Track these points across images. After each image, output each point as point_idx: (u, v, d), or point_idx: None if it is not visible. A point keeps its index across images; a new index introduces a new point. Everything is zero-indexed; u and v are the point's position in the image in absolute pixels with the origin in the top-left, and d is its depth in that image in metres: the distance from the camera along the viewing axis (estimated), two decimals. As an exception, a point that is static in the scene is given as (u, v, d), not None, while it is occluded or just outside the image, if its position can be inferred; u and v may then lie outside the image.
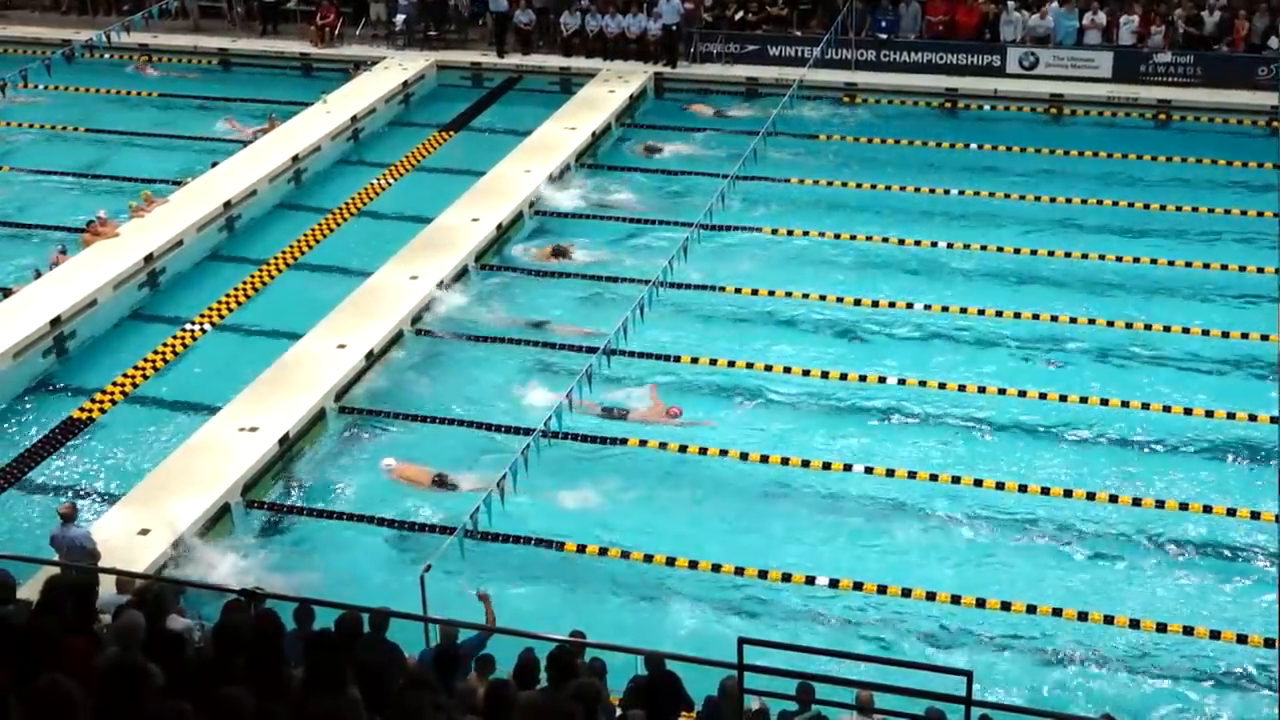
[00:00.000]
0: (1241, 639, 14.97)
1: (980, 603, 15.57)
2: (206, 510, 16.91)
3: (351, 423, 19.50)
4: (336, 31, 34.47)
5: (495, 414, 19.41)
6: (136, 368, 20.63)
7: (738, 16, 32.91)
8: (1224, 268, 22.80)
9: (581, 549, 16.66)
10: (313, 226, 25.38)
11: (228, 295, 22.81)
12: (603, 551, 16.62)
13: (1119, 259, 23.21)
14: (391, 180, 27.62)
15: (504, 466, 16.16)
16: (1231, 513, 16.95)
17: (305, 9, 35.34)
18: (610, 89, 31.04)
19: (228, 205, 25.39)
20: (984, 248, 23.75)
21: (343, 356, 20.25)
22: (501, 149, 27.87)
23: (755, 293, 22.43)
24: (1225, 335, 20.84)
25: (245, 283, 23.25)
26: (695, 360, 20.53)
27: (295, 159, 27.63)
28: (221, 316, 22.25)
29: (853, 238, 24.30)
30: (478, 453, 18.59)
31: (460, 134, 30.15)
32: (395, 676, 9.38)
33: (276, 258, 24.12)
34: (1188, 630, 15.15)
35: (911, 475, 17.75)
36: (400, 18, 33.86)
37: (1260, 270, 22.66)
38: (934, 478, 17.71)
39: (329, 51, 34.10)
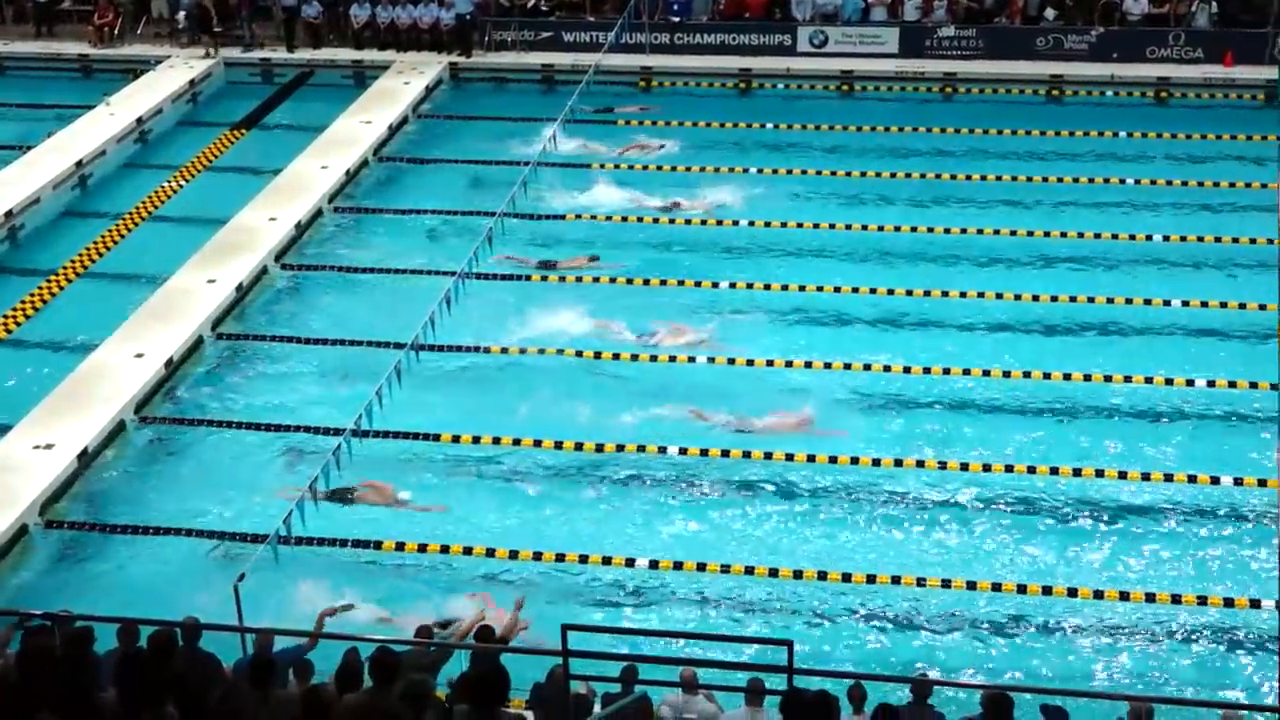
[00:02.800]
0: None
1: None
2: (3, 533, 16.24)
3: (154, 433, 18.92)
4: (116, 31, 33.35)
5: (305, 416, 19.06)
6: (-82, 390, 19.72)
7: (530, 4, 32.82)
8: (1013, 233, 23.54)
9: (400, 546, 16.46)
10: (102, 233, 24.53)
11: (14, 309, 21.92)
12: (422, 549, 16.44)
13: (914, 229, 23.84)
14: (183, 182, 26.86)
15: (315, 468, 15.89)
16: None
17: (82, 9, 34.11)
18: (405, 81, 30.69)
19: (9, 215, 24.41)
20: (784, 224, 24.12)
21: (141, 366, 19.64)
22: (296, 145, 27.36)
23: (562, 279, 22.45)
24: (1017, 297, 21.52)
25: (33, 294, 22.37)
26: (505, 351, 20.42)
27: (79, 164, 26.69)
28: (9, 331, 21.38)
29: (654, 221, 24.45)
30: (290, 454, 18.23)
31: (252, 132, 29.48)
32: (212, 688, 9.15)
33: (65, 267, 23.27)
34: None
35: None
36: (182, 15, 32.91)
37: (1046, 234, 23.47)
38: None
39: (109, 52, 32.99)
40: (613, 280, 22.29)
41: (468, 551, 16.31)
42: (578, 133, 27.49)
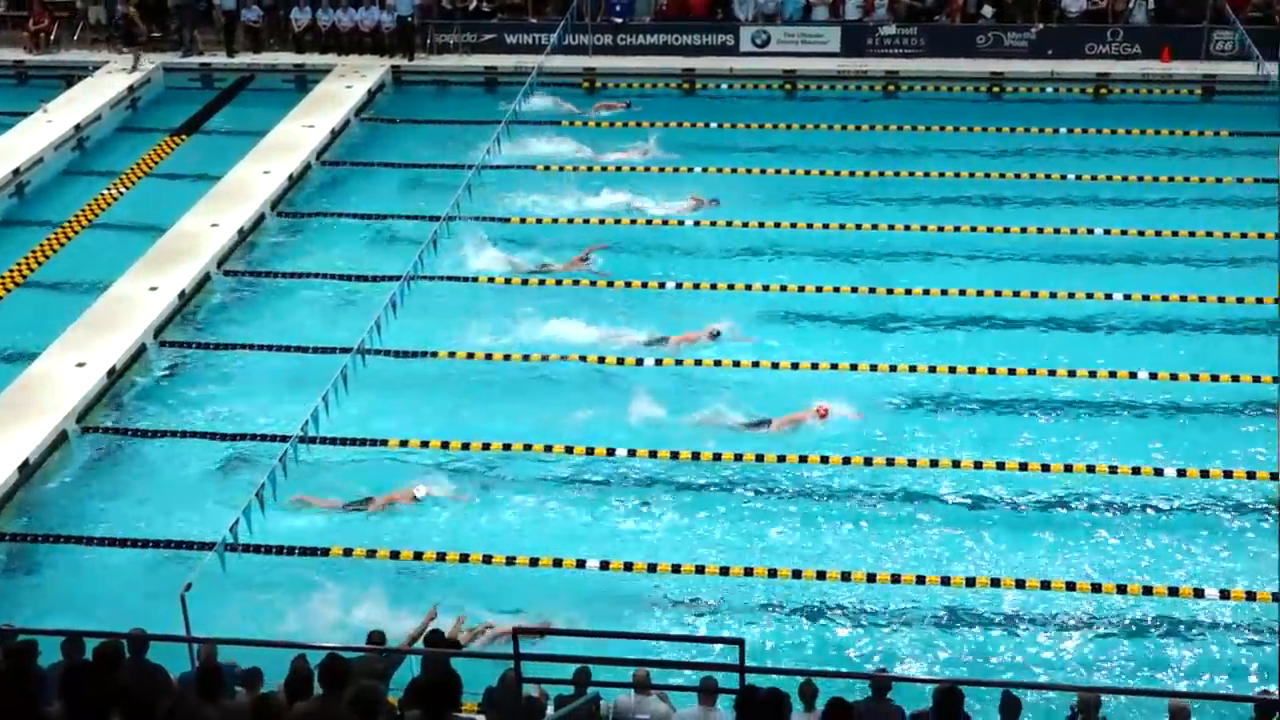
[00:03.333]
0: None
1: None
2: (-56, 547, 16.03)
3: (97, 443, 18.71)
4: (52, 36, 32.94)
5: (251, 423, 18.90)
6: None
7: (472, 6, 32.71)
8: (956, 229, 23.70)
9: (348, 552, 16.35)
10: (41, 242, 24.22)
11: (-48, 320, 21.65)
12: (370, 554, 16.35)
13: (857, 226, 23.96)
14: (123, 189, 26.57)
15: (262, 476, 15.75)
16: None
17: (16, 14, 33.68)
18: (347, 84, 30.52)
19: (-55, 225, 24.12)
20: (729, 224, 24.17)
21: (83, 375, 19.41)
22: (238, 151, 27.13)
23: (508, 281, 22.39)
24: (961, 292, 21.66)
25: (-29, 304, 22.11)
26: (453, 355, 20.36)
27: (16, 172, 26.36)
28: (-52, 342, 21.10)
29: (602, 221, 24.44)
30: (236, 462, 18.08)
31: (193, 137, 29.22)
32: (160, 699, 9.06)
33: (3, 276, 22.97)
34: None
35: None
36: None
37: (989, 230, 23.63)
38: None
39: (45, 58, 32.58)
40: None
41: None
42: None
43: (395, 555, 16.27)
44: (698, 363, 20.00)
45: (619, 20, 32.21)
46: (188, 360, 20.68)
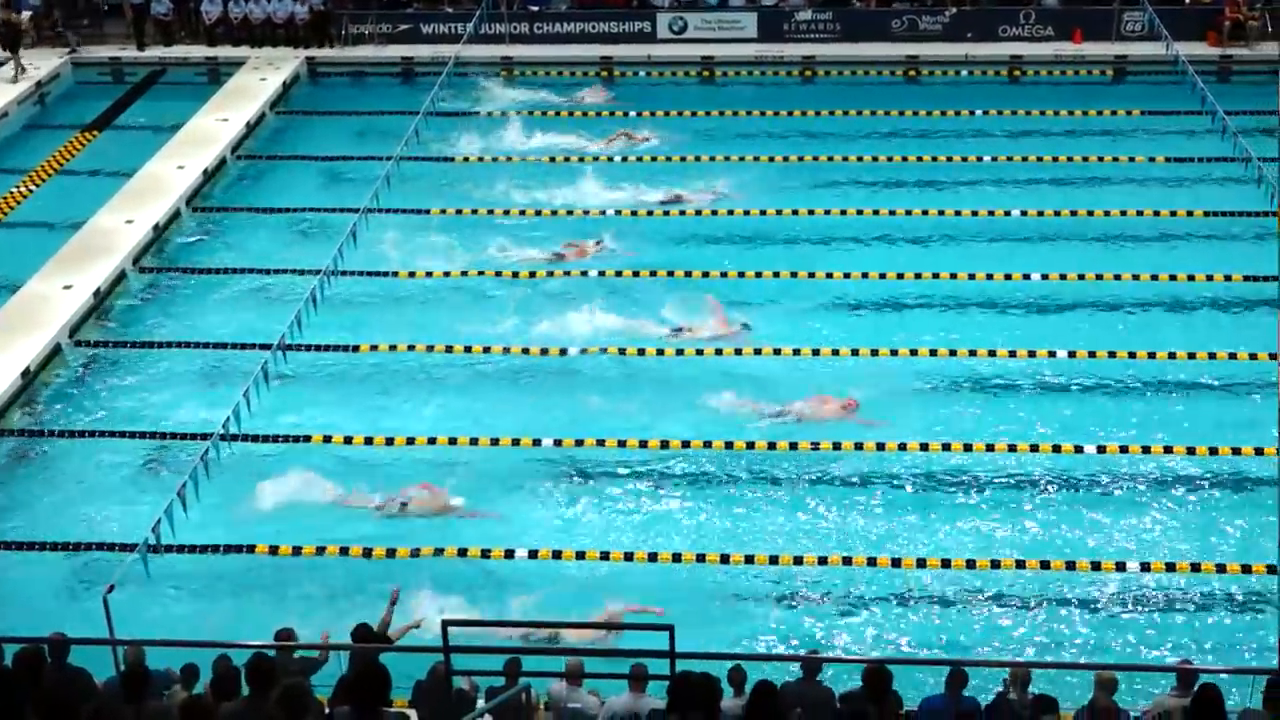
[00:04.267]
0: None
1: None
2: None
3: (13, 446, 18.39)
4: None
5: (171, 421, 18.67)
6: None
7: (387, -4, 32.50)
8: (875, 213, 23.84)
9: (274, 550, 16.21)
10: (-50, 242, 23.80)
11: None
12: (296, 551, 16.20)
13: (762, 213, 24.02)
14: (34, 186, 26.10)
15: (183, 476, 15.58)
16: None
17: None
18: (261, 77, 30.16)
19: None
20: (650, 213, 24.18)
21: (-4, 377, 19.10)
22: (151, 146, 26.75)
23: (430, 274, 22.27)
24: (875, 275, 21.82)
25: (-121, 307, 21.60)
26: (375, 347, 20.23)
27: (-77, 172, 25.86)
28: None
29: (523, 212, 24.36)
30: (156, 463, 17.86)
31: (105, 133, 28.75)
32: (84, 703, 8.94)
33: (-89, 280, 22.52)
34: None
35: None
36: (26, 14, 31.96)
37: (908, 213, 23.81)
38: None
39: (-50, 55, 31.89)
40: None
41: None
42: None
43: (320, 551, 16.14)
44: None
45: (535, 8, 32.09)
46: (104, 359, 20.37)
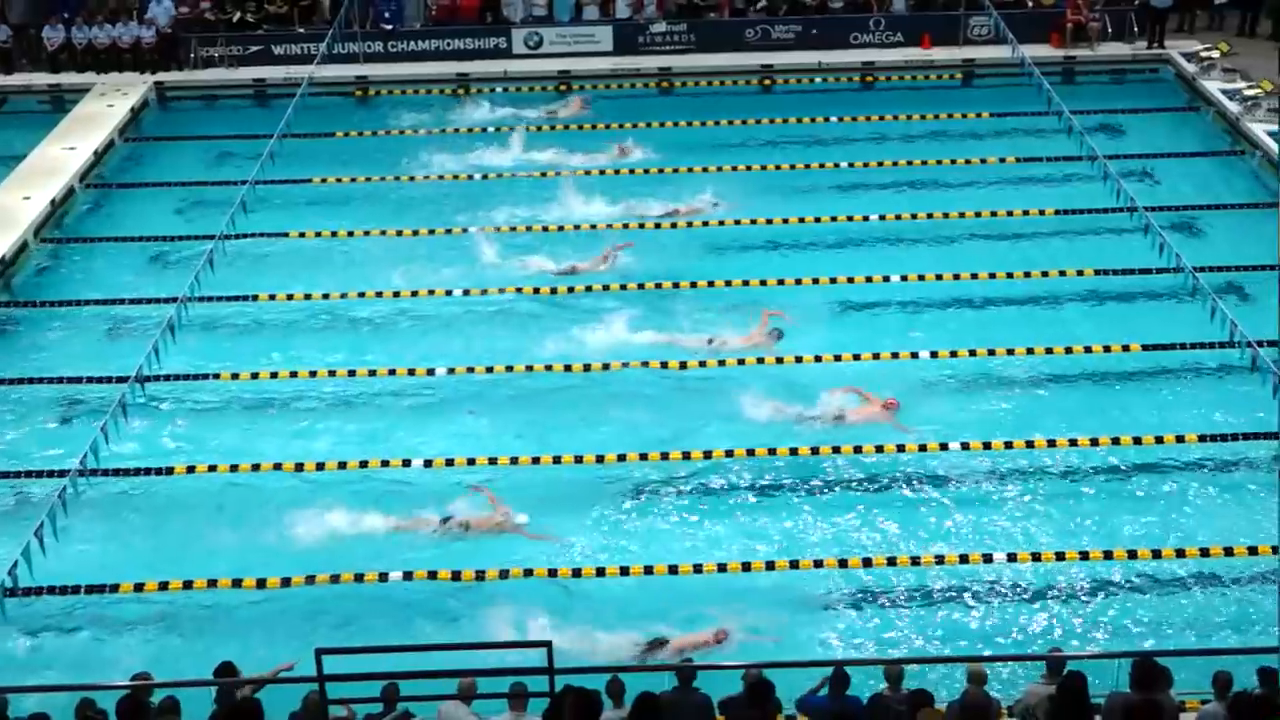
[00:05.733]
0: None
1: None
2: None
3: None
4: None
5: (25, 460, 18.11)
6: None
7: (236, 18, 31.91)
8: (737, 223, 24.01)
9: (140, 587, 15.78)
10: None
11: None
12: (164, 586, 15.82)
13: (640, 225, 24.07)
14: None
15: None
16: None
17: None
18: (109, 103, 29.45)
19: None
20: (513, 229, 24.08)
21: None
22: (-7, 177, 25.97)
23: (290, 297, 21.92)
24: (745, 283, 21.98)
25: None
26: (236, 377, 19.85)
27: None
28: None
29: (399, 232, 24.15)
30: (11, 501, 17.34)
31: (-56, 166, 27.82)
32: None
33: None
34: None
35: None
36: None
37: (769, 221, 23.97)
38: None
39: None
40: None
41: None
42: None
43: (165, 586, 15.76)
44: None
45: (389, 27, 31.81)
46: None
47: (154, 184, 26.53)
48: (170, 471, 17.76)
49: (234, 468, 17.80)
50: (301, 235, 24.01)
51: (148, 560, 16.24)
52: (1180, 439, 17.79)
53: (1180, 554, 15.91)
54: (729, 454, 17.77)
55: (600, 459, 17.77)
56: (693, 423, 18.51)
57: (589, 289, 21.89)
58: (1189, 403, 18.83)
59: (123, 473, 17.56)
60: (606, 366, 19.77)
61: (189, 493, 17.44)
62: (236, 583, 15.81)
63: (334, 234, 24.05)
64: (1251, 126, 26.28)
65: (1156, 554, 15.90)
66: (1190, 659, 12.67)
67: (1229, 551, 15.87)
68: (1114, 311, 21.16)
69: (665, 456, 17.78)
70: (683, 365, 19.76)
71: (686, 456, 17.80)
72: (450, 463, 17.82)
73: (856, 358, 19.75)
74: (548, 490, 17.35)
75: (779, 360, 19.80)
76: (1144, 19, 30.88)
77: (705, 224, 24.02)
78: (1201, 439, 17.80)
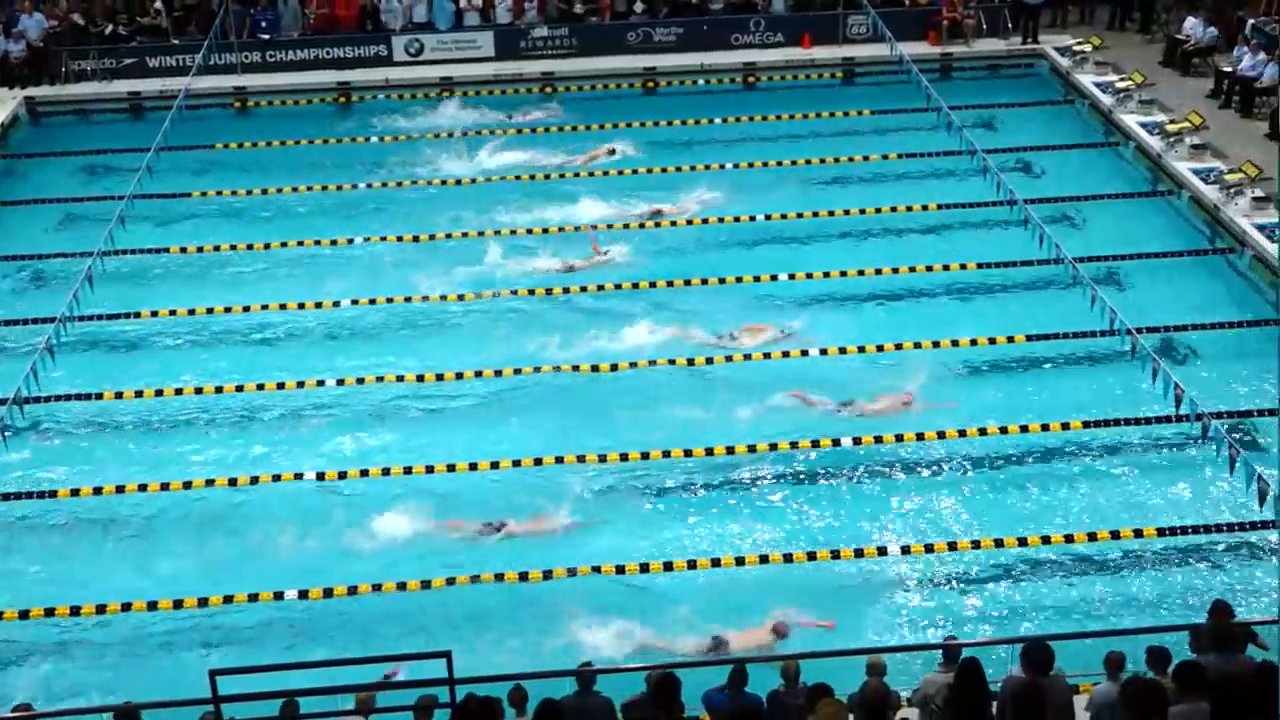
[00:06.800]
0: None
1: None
2: None
3: None
4: None
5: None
6: None
7: (109, 30, 31.26)
8: (625, 227, 24.08)
9: (25, 614, 15.44)
10: None
11: None
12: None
13: (529, 231, 24.05)
14: None
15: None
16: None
17: None
18: (-23, 119, 28.75)
19: None
20: (415, 238, 23.92)
21: None
22: None
23: (174, 313, 21.54)
24: (634, 286, 22.06)
25: None
26: (120, 395, 19.47)
27: None
28: None
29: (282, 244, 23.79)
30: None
31: None
32: None
33: None
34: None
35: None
36: None
37: (657, 225, 24.08)
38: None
39: None
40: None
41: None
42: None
43: (51, 611, 15.42)
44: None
45: (266, 37, 31.39)
46: None
47: (28, 201, 25.89)
48: (54, 495, 17.38)
49: (120, 489, 17.44)
50: (183, 250, 23.59)
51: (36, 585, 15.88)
52: (1065, 426, 18.15)
53: (1069, 539, 16.23)
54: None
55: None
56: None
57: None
58: (1071, 390, 19.23)
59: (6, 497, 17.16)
60: (518, 371, 19.77)
61: (73, 516, 17.07)
62: (126, 606, 15.48)
63: (216, 248, 23.67)
64: (1124, 118, 26.92)
65: (1046, 540, 16.19)
66: (1088, 640, 12.95)
67: (1115, 535, 16.22)
68: (997, 303, 21.54)
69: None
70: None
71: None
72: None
73: (747, 358, 19.94)
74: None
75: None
76: (1017, 15, 31.49)
77: (593, 227, 24.01)
78: (1085, 425, 18.18)
